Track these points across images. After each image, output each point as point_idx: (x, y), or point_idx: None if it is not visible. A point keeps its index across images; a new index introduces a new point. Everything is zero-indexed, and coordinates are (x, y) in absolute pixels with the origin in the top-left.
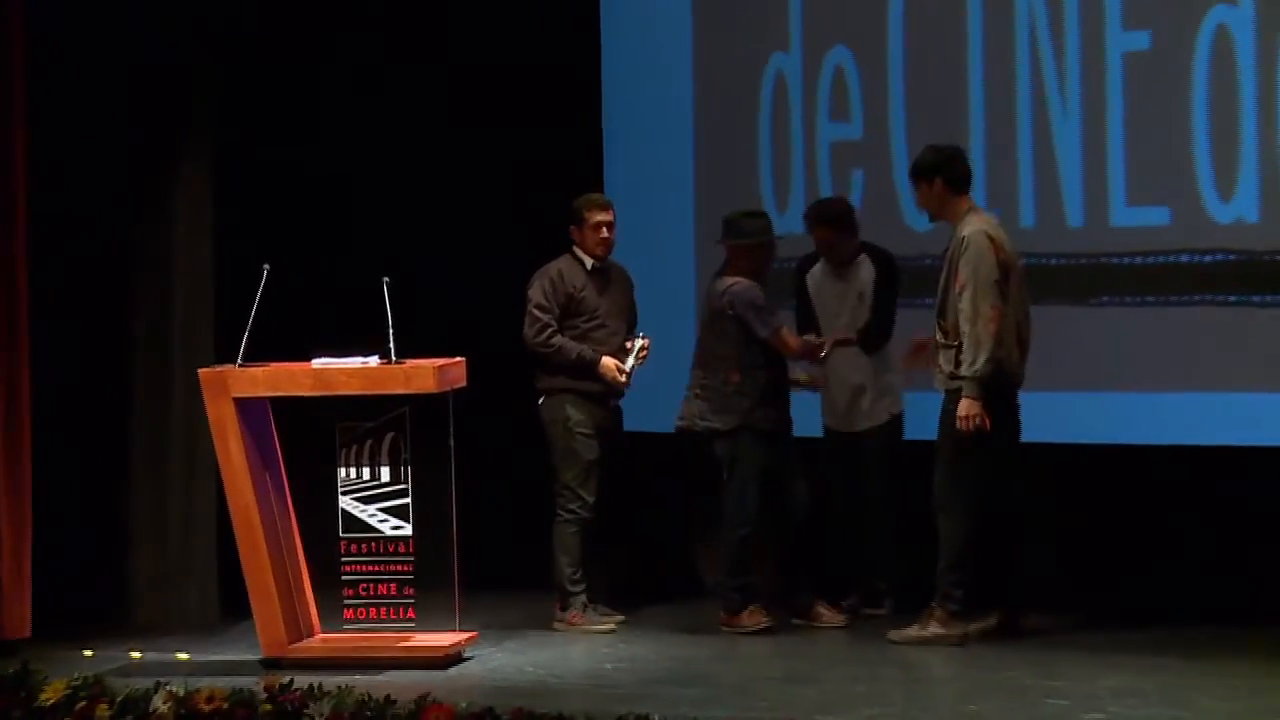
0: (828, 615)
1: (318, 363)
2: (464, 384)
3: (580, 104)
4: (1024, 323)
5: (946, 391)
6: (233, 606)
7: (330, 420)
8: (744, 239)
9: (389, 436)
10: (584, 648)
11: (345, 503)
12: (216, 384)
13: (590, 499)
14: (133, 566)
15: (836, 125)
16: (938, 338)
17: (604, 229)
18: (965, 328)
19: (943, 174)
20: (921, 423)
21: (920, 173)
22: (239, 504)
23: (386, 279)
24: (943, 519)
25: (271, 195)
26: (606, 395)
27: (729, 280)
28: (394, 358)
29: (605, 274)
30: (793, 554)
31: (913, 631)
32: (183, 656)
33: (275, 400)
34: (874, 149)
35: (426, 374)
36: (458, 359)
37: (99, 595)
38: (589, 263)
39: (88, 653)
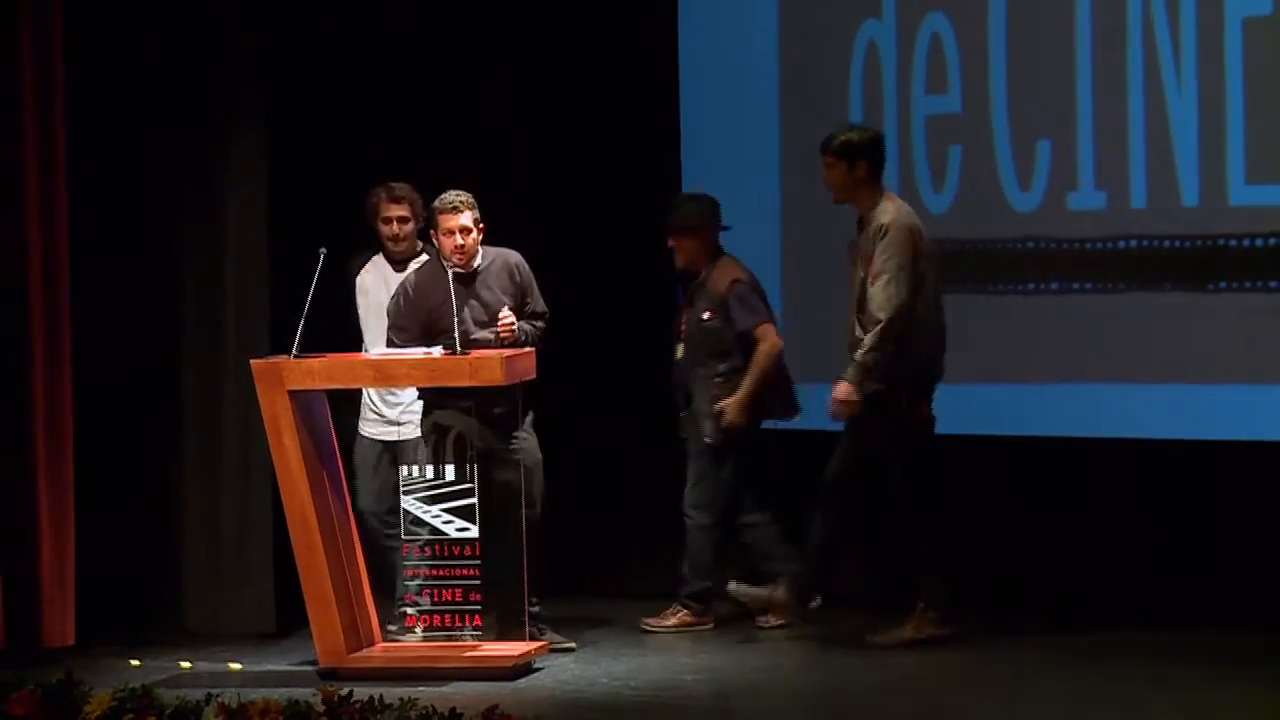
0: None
1: (377, 353)
2: (533, 376)
3: (657, 78)
4: (937, 314)
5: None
6: (289, 613)
7: None
8: None
9: (454, 432)
10: (661, 658)
11: (407, 503)
12: (270, 376)
13: None
14: (183, 571)
15: (933, 98)
16: (858, 333)
17: (457, 234)
18: (880, 315)
19: (868, 157)
20: None
21: (843, 153)
22: (294, 504)
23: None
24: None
25: (330, 174)
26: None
27: None
28: (459, 348)
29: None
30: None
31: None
32: (236, 666)
33: (333, 393)
34: (974, 124)
35: (493, 365)
36: (527, 349)
37: (147, 601)
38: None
39: (135, 662)
